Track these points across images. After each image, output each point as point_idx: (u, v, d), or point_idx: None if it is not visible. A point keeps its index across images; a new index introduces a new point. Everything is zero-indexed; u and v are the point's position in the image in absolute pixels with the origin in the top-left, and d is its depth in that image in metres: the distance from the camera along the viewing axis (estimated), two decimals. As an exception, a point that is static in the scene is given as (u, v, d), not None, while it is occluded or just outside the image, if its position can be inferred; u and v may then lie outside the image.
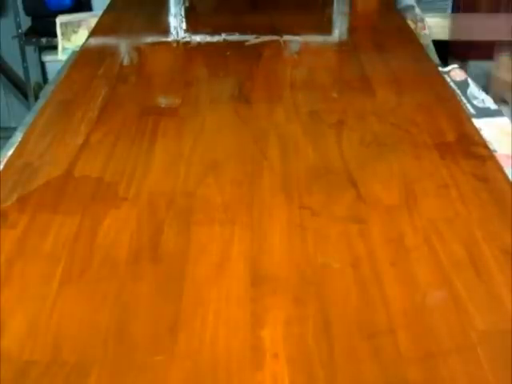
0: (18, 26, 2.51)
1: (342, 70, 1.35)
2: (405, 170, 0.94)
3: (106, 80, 1.26)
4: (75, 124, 1.08)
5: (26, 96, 2.69)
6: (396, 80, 1.24)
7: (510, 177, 0.92)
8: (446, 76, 1.37)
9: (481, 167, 0.94)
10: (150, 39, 1.48)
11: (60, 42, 1.93)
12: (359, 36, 1.51)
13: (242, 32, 1.51)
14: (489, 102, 1.30)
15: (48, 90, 1.39)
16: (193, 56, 1.40)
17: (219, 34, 1.50)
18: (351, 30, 1.62)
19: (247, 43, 1.45)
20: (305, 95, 1.18)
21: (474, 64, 1.86)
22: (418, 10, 1.85)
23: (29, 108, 2.49)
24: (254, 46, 1.44)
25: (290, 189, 0.89)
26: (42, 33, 2.45)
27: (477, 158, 0.97)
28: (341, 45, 1.52)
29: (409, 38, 1.51)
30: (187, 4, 1.76)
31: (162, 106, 1.16)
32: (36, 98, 2.47)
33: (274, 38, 1.48)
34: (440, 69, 1.38)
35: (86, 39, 1.50)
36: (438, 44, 1.73)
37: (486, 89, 1.37)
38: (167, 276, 0.73)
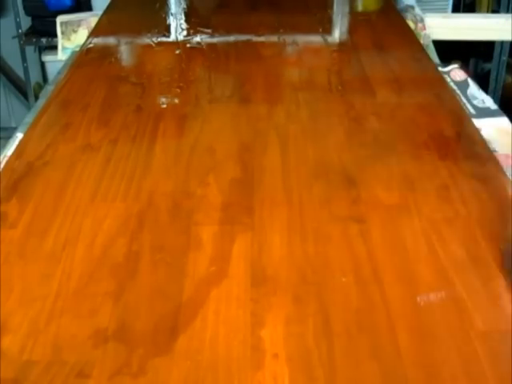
0: (18, 26, 2.51)
1: (341, 70, 1.35)
2: (405, 170, 0.93)
3: (106, 80, 1.26)
4: (75, 124, 1.08)
5: (26, 96, 2.69)
6: (396, 80, 1.24)
7: (509, 177, 0.92)
8: (446, 76, 1.37)
9: (481, 167, 0.94)
10: (150, 39, 1.48)
11: (60, 40, 1.94)
12: (359, 36, 1.51)
13: (242, 32, 1.51)
14: (489, 102, 1.30)
15: (48, 90, 1.39)
16: (193, 56, 1.40)
17: (219, 33, 1.50)
18: (351, 30, 1.62)
19: (247, 43, 1.45)
20: (305, 95, 1.18)
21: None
22: (417, 10, 1.85)
23: (29, 108, 2.49)
24: (254, 45, 1.44)
25: (290, 189, 0.89)
26: (41, 33, 2.45)
27: (477, 158, 0.97)
28: (341, 45, 1.52)
29: (409, 37, 1.51)
30: (187, 4, 1.76)
31: (162, 105, 1.16)
32: (36, 98, 2.47)
33: (274, 38, 1.48)
34: (440, 69, 1.38)
35: (86, 39, 1.50)
36: (437, 44, 1.73)
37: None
38: (167, 276, 0.73)
